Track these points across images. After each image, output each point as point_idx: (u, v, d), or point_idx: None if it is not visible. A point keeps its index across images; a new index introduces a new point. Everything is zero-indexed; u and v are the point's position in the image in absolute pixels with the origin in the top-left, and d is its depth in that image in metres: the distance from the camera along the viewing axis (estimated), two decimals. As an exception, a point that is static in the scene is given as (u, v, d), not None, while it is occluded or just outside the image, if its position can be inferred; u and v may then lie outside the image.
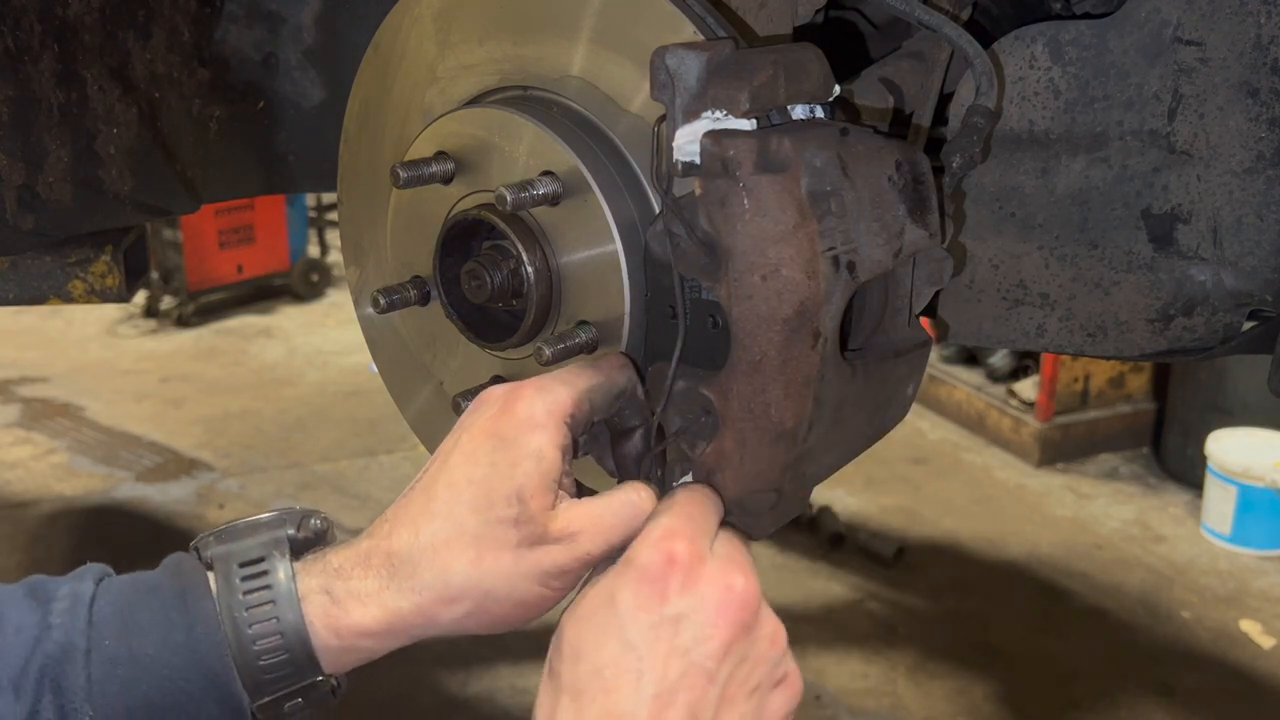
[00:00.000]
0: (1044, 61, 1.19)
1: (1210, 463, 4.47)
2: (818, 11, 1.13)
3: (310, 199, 7.42)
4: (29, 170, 2.01)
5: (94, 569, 0.89)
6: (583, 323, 0.98)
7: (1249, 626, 3.93)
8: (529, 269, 0.98)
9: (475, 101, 1.06)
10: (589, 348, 0.97)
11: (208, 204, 2.20)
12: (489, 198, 0.98)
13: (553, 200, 0.95)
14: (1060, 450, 5.07)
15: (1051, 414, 5.03)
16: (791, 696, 0.84)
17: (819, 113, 0.90)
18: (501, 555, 0.84)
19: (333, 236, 7.41)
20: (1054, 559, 4.33)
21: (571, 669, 0.80)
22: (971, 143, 1.02)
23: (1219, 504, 4.42)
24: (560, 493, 0.87)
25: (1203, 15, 1.13)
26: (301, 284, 7.08)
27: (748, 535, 0.89)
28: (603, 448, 0.95)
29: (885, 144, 0.91)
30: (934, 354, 5.35)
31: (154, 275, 6.50)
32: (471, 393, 1.08)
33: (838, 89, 0.91)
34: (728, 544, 0.85)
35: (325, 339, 6.50)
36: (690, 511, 0.84)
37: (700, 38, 0.90)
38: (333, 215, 7.40)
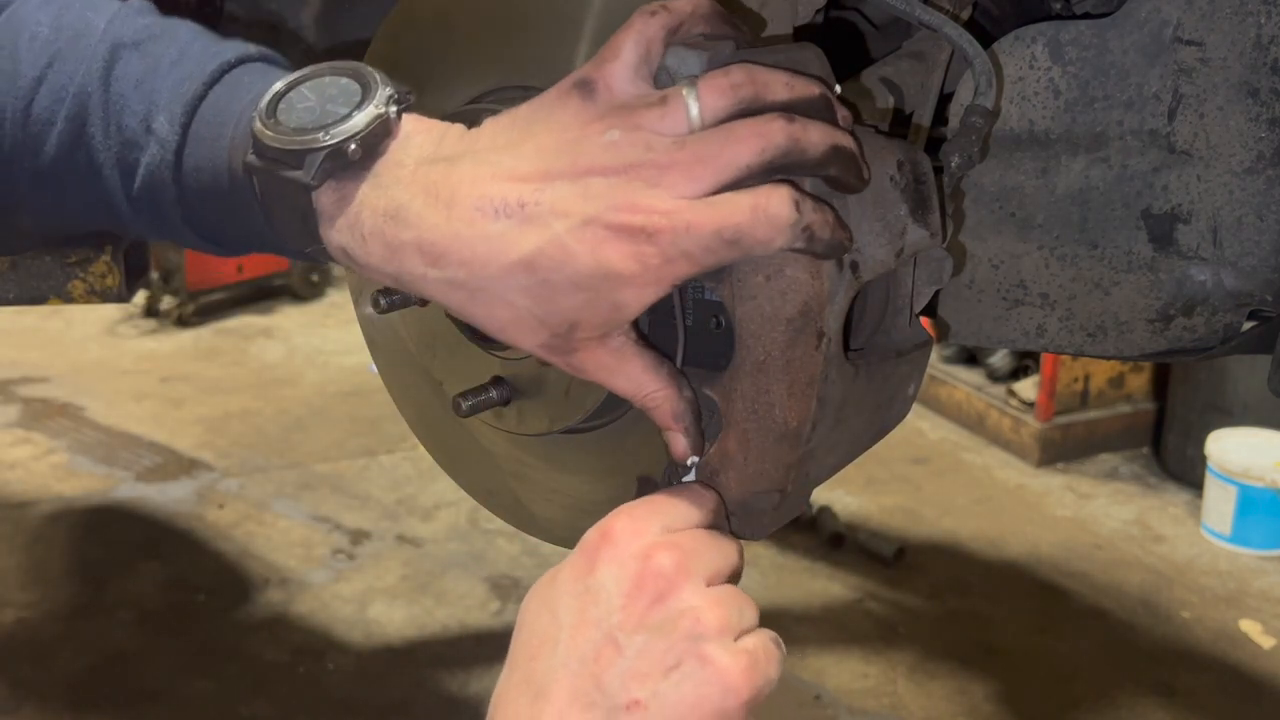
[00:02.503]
0: (1044, 61, 1.19)
1: (1210, 463, 4.47)
2: (818, 11, 1.13)
3: (310, 199, 7.40)
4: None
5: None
6: (583, 323, 0.97)
7: (1249, 626, 3.93)
8: (530, 269, 0.97)
9: (476, 102, 1.05)
10: (589, 348, 0.97)
11: (208, 204, 2.20)
12: (490, 198, 0.98)
13: (553, 200, 0.94)
14: (1060, 450, 5.07)
15: (1051, 414, 5.03)
16: (705, 685, 0.75)
17: (820, 113, 0.90)
18: None
19: (332, 237, 7.39)
20: (1054, 559, 4.33)
21: (514, 641, 0.82)
22: (970, 142, 1.02)
23: (1219, 504, 4.42)
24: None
25: (1203, 15, 1.13)
26: (301, 284, 7.08)
27: (738, 537, 0.87)
28: None
29: (887, 143, 0.91)
30: (934, 354, 5.35)
31: (154, 275, 6.48)
32: (472, 393, 1.08)
33: (838, 89, 0.91)
34: (691, 536, 0.81)
35: (325, 339, 6.50)
36: (656, 500, 0.84)
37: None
38: (332, 215, 7.38)
